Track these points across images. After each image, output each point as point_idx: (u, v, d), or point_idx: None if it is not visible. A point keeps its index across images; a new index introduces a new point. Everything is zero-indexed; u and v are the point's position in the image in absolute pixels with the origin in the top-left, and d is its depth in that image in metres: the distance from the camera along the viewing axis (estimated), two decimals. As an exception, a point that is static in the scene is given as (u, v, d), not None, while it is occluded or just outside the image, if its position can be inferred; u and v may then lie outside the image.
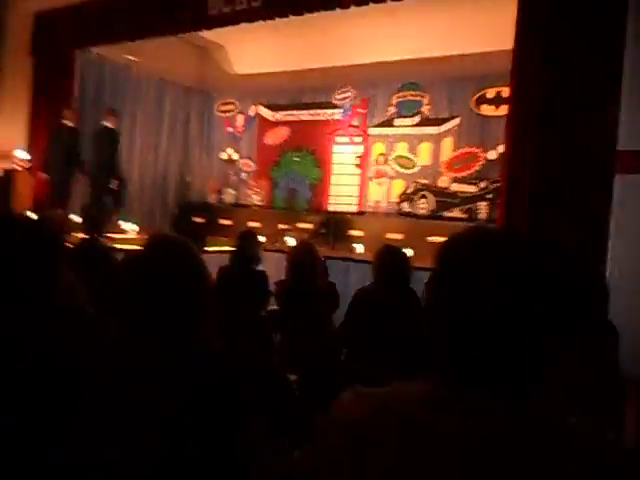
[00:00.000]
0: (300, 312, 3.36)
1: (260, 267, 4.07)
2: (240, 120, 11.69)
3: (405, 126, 9.82)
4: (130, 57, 10.15)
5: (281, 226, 9.63)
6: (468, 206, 8.89)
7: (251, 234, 4.19)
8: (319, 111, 10.76)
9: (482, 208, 8.74)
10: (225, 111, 11.87)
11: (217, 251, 6.72)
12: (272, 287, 3.77)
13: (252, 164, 11.53)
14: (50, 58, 8.94)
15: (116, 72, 10.34)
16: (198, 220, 10.74)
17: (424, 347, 0.88)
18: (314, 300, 3.34)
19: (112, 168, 7.93)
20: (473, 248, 0.89)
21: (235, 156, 11.66)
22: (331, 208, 10.36)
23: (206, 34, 9.22)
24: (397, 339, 2.72)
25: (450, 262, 0.92)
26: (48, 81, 9.00)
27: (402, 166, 9.82)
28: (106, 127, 8.05)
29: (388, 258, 3.19)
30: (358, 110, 10.33)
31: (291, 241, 8.42)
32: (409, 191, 9.51)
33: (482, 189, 8.83)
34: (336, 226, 9.37)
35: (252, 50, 10.66)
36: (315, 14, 6.45)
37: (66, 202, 7.71)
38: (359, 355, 2.82)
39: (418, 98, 9.73)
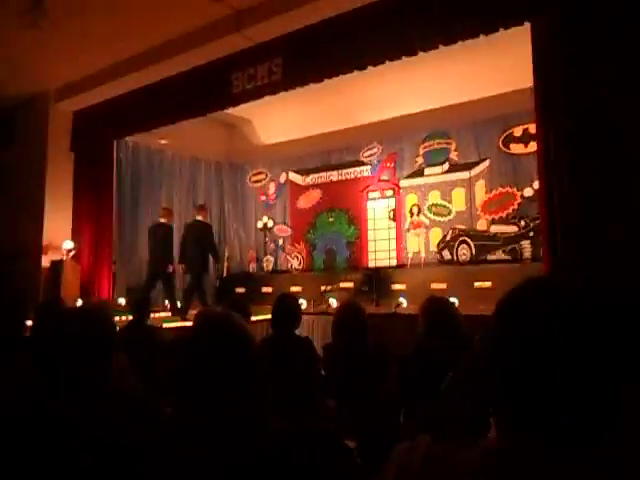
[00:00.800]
0: (351, 375, 3.25)
1: (304, 332, 3.94)
2: (272, 188, 11.95)
3: (435, 174, 9.87)
4: (162, 141, 10.63)
5: (323, 287, 9.67)
6: (511, 246, 8.76)
7: (285, 296, 4.07)
8: (348, 170, 10.93)
9: (525, 247, 8.60)
10: (257, 181, 12.16)
11: (261, 320, 6.81)
12: (320, 351, 3.69)
13: (288, 229, 11.69)
14: (89, 152, 9.50)
15: (150, 156, 10.84)
16: (240, 290, 10.89)
17: (482, 401, 0.82)
18: (364, 361, 3.27)
19: (168, 255, 8.46)
20: (537, 306, 0.88)
21: (270, 223, 11.87)
22: (371, 264, 10.34)
23: (232, 111, 9.59)
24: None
25: (517, 323, 0.89)
26: (88, 173, 9.55)
27: (437, 214, 9.81)
28: (161, 223, 8.67)
29: (435, 309, 3.10)
30: (387, 165, 10.45)
31: (334, 302, 8.41)
32: (448, 238, 9.45)
33: (523, 228, 8.70)
34: (378, 282, 9.37)
35: (277, 120, 11.02)
36: (334, 79, 6.64)
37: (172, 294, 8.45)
38: (418, 413, 2.69)
39: (445, 145, 9.81)
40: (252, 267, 11.78)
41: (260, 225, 11.98)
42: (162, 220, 8.63)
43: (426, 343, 3.01)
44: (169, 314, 8.50)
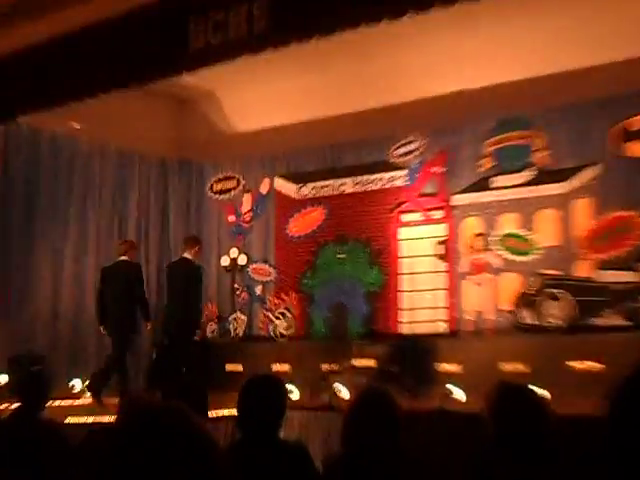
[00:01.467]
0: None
1: (293, 436, 3.91)
2: (246, 202, 11.93)
3: (511, 187, 9.89)
4: (75, 125, 10.74)
5: (326, 367, 9.62)
6: (629, 305, 8.78)
7: (261, 379, 4.03)
8: (370, 177, 10.91)
9: (653, 306, 8.71)
10: (223, 190, 12.16)
11: (224, 417, 6.75)
12: (319, 468, 3.66)
13: (270, 270, 11.66)
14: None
15: (56, 148, 10.94)
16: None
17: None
18: None
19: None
20: None
21: (242, 260, 11.85)
22: (404, 330, 10.27)
23: (187, 79, 9.67)
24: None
25: None
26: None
27: (513, 250, 9.81)
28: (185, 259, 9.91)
29: (511, 406, 3.11)
30: (432, 169, 10.46)
31: (343, 391, 8.35)
32: (530, 290, 9.46)
33: (648, 276, 8.83)
34: (415, 359, 9.32)
35: (258, 96, 11.10)
36: (352, 34, 6.64)
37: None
38: None
39: (525, 141, 9.85)
40: (211, 330, 11.76)
41: (226, 262, 12.01)
42: (186, 255, 9.74)
43: (494, 459, 3.00)
44: (76, 400, 8.63)
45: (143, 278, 9.71)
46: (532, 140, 9.86)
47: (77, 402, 8.82)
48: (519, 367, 8.57)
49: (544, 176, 9.74)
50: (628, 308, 8.83)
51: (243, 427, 3.87)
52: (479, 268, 10.01)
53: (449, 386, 8.09)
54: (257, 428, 3.76)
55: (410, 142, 10.67)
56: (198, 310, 10.01)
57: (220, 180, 12.32)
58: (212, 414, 6.25)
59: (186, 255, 9.73)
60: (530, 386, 3.34)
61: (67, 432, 4.71)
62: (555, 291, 9.23)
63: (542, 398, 3.29)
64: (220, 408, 6.82)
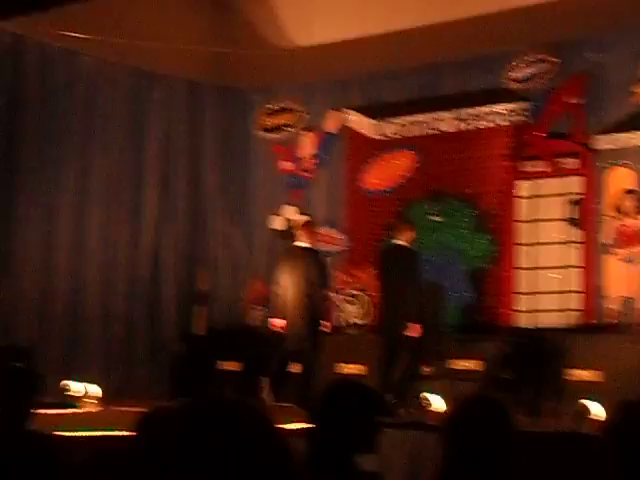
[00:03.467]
0: None
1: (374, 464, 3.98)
2: (308, 145, 12.03)
3: None
4: (76, 35, 10.61)
5: (414, 370, 9.64)
6: None
7: (349, 386, 3.96)
8: (478, 110, 10.89)
9: None
10: (275, 128, 12.28)
11: (292, 431, 6.72)
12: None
13: (339, 237, 11.75)
14: None
15: (51, 64, 10.88)
16: (229, 367, 10.99)
17: None
18: None
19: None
20: None
21: (301, 220, 11.69)
22: (523, 321, 10.29)
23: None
24: None
25: None
26: None
27: None
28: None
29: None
30: (565, 100, 10.36)
31: (437, 401, 8.39)
32: None
33: None
34: (538, 361, 9.42)
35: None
36: None
37: None
38: None
39: None
40: (255, 316, 11.78)
41: (279, 225, 12.04)
42: (399, 241, 9.79)
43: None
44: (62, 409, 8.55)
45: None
46: None
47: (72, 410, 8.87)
48: None
49: None
50: None
51: (319, 447, 3.76)
52: (630, 239, 9.97)
53: (585, 402, 8.01)
54: (332, 448, 3.71)
55: (534, 61, 10.61)
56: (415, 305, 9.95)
57: (272, 113, 12.33)
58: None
59: (399, 241, 9.77)
60: None
61: (62, 447, 4.64)
62: None
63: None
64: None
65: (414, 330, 9.33)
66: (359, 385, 4.12)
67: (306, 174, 12.05)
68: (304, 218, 11.71)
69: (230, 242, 12.38)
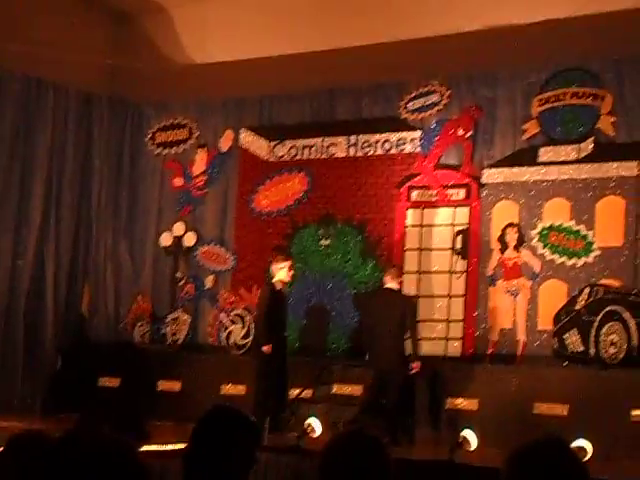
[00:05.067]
0: None
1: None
2: (200, 162, 11.94)
3: (564, 164, 9.88)
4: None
5: (295, 393, 9.70)
6: None
7: (223, 410, 3.96)
8: (371, 137, 10.92)
9: None
10: (167, 143, 12.17)
11: (158, 452, 6.81)
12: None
13: (227, 256, 11.67)
14: None
15: None
16: (109, 384, 10.84)
17: None
18: None
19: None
20: None
21: (189, 239, 11.81)
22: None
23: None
24: None
25: None
26: None
27: (560, 250, 9.81)
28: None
29: (542, 467, 2.94)
30: (455, 131, 10.45)
31: (317, 426, 8.45)
32: (580, 306, 9.38)
33: None
34: (418, 389, 9.40)
35: (225, 14, 11.04)
36: None
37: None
38: None
39: (587, 101, 9.85)
40: (140, 332, 11.70)
41: (167, 241, 11.93)
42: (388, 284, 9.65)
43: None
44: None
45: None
46: (597, 101, 9.83)
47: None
48: (557, 411, 8.66)
49: (610, 150, 9.71)
50: None
51: (191, 471, 3.81)
52: (512, 271, 10.07)
53: (464, 432, 8.08)
54: (208, 475, 3.62)
55: (428, 92, 10.68)
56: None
57: (165, 128, 12.23)
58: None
59: (390, 285, 9.68)
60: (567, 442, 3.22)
61: None
62: (616, 308, 9.10)
63: (580, 455, 3.17)
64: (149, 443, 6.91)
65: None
66: (238, 413, 4.12)
67: (197, 191, 11.99)
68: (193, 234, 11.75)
69: (116, 256, 12.20)
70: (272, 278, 9.80)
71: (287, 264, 9.79)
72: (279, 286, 9.69)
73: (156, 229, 12.11)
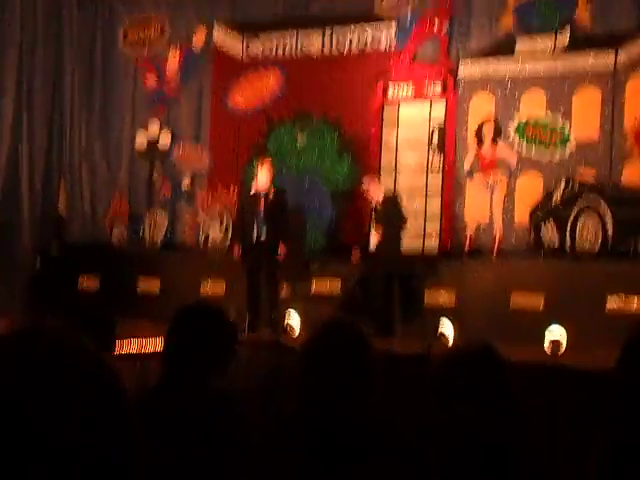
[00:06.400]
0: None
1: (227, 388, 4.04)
2: (172, 60, 11.83)
3: (540, 56, 9.83)
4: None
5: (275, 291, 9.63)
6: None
7: (205, 310, 4.01)
8: (346, 32, 10.83)
9: None
10: (140, 41, 12.05)
11: (134, 355, 6.86)
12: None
13: (203, 155, 11.67)
14: None
15: None
16: (87, 284, 10.96)
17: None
18: (359, 454, 3.20)
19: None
20: None
21: (165, 139, 11.79)
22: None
23: None
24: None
25: None
26: None
27: (537, 142, 9.83)
28: None
29: (491, 360, 3.20)
30: (431, 27, 10.37)
31: (297, 321, 8.60)
32: (556, 198, 9.51)
33: None
34: (396, 284, 9.49)
35: None
36: None
37: None
38: None
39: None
40: (118, 234, 11.71)
41: (141, 142, 11.90)
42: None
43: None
44: None
45: None
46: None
47: None
48: (533, 300, 8.80)
49: (587, 41, 9.66)
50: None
51: (169, 368, 3.88)
52: (489, 165, 10.07)
53: (442, 323, 8.29)
54: (189, 371, 3.79)
55: None
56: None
57: (136, 25, 12.08)
58: (121, 351, 6.48)
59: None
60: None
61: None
62: (592, 202, 9.19)
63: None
64: (131, 342, 7.00)
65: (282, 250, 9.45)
66: (215, 310, 4.17)
67: (170, 91, 11.91)
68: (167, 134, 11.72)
69: (91, 158, 12.19)
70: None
71: (265, 166, 9.77)
72: (254, 189, 9.70)
73: (130, 131, 12.09)
